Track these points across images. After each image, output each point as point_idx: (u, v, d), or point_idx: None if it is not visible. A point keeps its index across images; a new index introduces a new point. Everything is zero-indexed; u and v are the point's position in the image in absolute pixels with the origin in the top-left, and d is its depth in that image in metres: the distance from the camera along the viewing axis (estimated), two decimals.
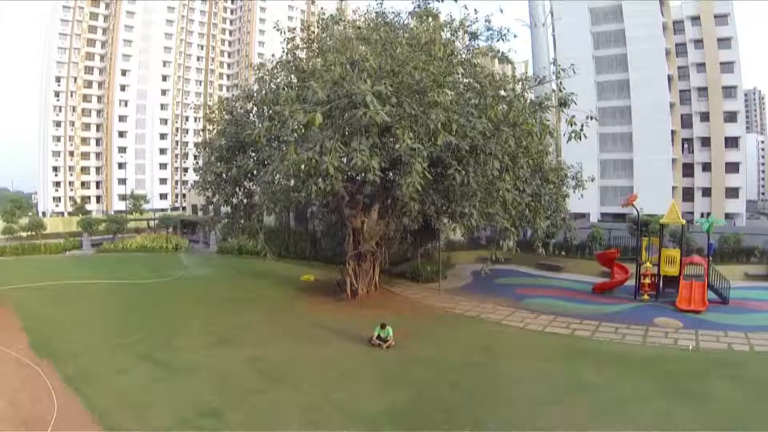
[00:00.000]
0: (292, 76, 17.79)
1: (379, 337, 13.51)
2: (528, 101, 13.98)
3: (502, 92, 15.58)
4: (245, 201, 19.68)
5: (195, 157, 18.97)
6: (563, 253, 26.75)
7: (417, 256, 25.24)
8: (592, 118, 12.38)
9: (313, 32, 18.67)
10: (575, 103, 13.07)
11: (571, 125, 12.42)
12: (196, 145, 19.11)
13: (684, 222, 19.87)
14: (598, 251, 23.45)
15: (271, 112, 16.04)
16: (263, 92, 17.34)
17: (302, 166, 11.13)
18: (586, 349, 13.33)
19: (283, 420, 9.18)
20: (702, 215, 49.93)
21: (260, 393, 10.41)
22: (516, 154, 14.05)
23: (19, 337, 14.34)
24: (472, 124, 11.69)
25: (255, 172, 16.00)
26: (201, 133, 22.05)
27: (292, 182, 15.57)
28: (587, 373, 11.45)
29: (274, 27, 19.03)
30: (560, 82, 13.83)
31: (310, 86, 10.33)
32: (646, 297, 18.97)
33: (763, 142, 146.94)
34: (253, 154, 16.00)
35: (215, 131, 19.76)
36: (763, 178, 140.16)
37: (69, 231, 42.77)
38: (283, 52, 18.18)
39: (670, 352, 12.94)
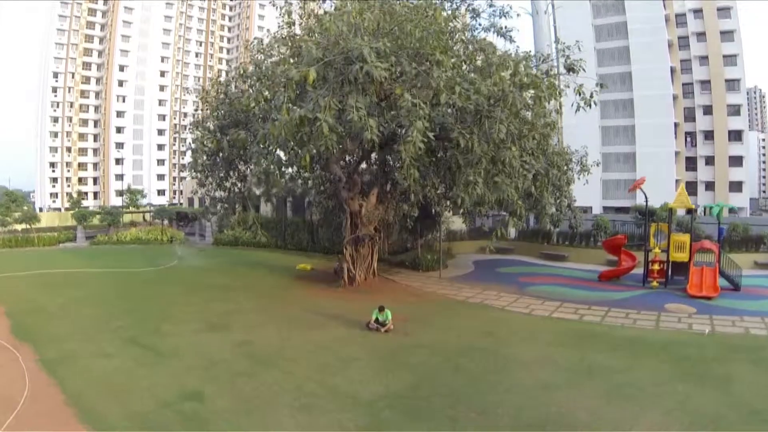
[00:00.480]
0: (290, 59, 17.09)
1: (377, 321, 12.81)
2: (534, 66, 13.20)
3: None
4: (239, 185, 18.96)
5: (193, 140, 18.02)
6: (567, 242, 26.12)
7: (417, 246, 24.57)
8: (601, 85, 11.72)
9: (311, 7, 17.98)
10: (584, 70, 12.35)
11: (580, 94, 11.72)
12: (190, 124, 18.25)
13: (693, 206, 19.20)
14: (605, 239, 22.76)
15: (266, 93, 15.29)
16: (262, 67, 16.47)
17: (294, 127, 10.34)
18: (597, 334, 12.63)
19: (272, 404, 8.48)
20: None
21: (249, 377, 9.70)
22: (521, 130, 13.40)
23: (0, 322, 13.67)
24: (476, 87, 10.97)
25: (247, 147, 15.19)
26: (194, 114, 21.33)
27: (284, 156, 14.81)
28: (599, 357, 10.76)
29: (270, 2, 18.29)
30: (567, 56, 13.04)
31: (304, 44, 9.64)
32: (655, 284, 18.28)
33: (763, 139, 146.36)
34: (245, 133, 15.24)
35: (208, 110, 19.00)
36: (763, 176, 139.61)
37: (65, 225, 42.27)
38: (279, 27, 17.47)
39: (685, 337, 12.25)
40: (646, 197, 19.79)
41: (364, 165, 22.07)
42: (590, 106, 11.70)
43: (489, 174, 12.58)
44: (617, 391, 8.86)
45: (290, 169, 17.36)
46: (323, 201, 22.84)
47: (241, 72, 18.56)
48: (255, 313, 15.05)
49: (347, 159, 19.48)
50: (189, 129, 18.14)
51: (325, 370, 10.17)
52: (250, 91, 17.33)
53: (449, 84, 10.41)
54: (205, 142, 17.17)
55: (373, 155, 20.96)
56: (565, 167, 20.27)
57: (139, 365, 10.35)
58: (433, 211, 21.76)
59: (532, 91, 11.67)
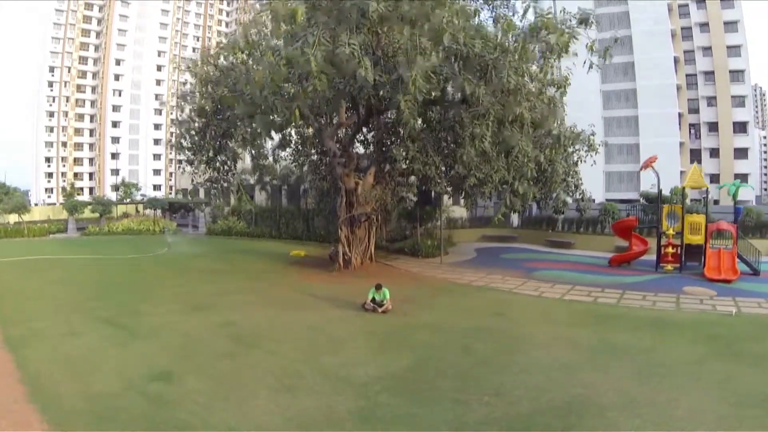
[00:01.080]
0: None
1: (373, 300, 11.78)
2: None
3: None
4: (229, 163, 17.90)
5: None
6: (573, 229, 25.13)
7: (416, 233, 23.54)
8: (615, 40, 10.80)
9: None
10: (595, 23, 11.31)
11: (592, 51, 10.73)
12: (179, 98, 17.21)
13: (707, 185, 18.24)
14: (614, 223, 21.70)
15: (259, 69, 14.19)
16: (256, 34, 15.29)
17: (281, 77, 9.28)
18: (615, 315, 11.60)
19: (251, 386, 7.42)
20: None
21: (228, 358, 8.65)
22: (529, 95, 12.38)
23: None
24: (482, 32, 9.91)
25: (235, 112, 14.05)
26: (182, 86, 20.24)
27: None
28: (621, 337, 9.72)
29: None
30: (578, 12, 11.99)
31: None
32: (669, 268, 17.28)
33: (765, 137, 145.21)
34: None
35: (196, 84, 17.87)
36: (765, 173, 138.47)
37: (57, 218, 41.38)
38: None
39: (711, 317, 11.24)
40: (658, 177, 18.75)
41: (361, 150, 21.06)
42: (605, 59, 10.73)
43: (497, 133, 11.49)
44: (647, 371, 7.81)
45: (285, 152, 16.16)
46: (318, 182, 21.79)
47: (232, 44, 17.52)
48: (242, 294, 14.01)
49: (342, 138, 18.43)
50: (178, 101, 17.07)
51: (315, 351, 9.13)
52: (240, 65, 16.32)
53: (452, 26, 9.34)
54: (193, 117, 16.11)
55: (371, 135, 19.97)
56: (572, 148, 19.32)
57: (110, 345, 9.30)
58: (433, 193, 20.76)
59: (544, 33, 10.58)
